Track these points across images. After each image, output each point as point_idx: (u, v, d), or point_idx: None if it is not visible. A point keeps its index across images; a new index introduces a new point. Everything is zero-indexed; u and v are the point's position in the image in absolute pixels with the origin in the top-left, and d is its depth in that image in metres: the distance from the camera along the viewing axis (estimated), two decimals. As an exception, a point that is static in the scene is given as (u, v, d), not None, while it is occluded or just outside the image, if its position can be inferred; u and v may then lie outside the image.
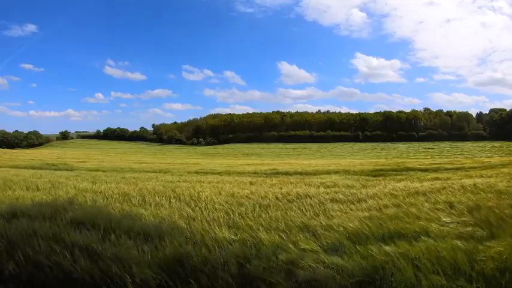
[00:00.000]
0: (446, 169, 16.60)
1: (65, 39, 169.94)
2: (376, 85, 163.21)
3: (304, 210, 5.69)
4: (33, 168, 20.18)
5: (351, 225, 4.44)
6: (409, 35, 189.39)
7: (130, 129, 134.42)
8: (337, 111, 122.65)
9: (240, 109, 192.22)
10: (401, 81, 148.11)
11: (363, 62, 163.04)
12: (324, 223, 4.62)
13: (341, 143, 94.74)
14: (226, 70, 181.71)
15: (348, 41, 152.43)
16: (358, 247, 3.55)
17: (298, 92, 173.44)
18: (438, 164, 20.12)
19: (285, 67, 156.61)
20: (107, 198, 7.00)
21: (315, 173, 15.75)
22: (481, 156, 43.77)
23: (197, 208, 5.88)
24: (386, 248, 3.45)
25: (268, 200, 6.67)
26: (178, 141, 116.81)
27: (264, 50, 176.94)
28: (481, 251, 3.28)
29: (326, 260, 3.25)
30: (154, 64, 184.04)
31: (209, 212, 5.57)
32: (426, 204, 5.86)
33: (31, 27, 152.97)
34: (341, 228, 4.31)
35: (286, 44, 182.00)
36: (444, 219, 4.67)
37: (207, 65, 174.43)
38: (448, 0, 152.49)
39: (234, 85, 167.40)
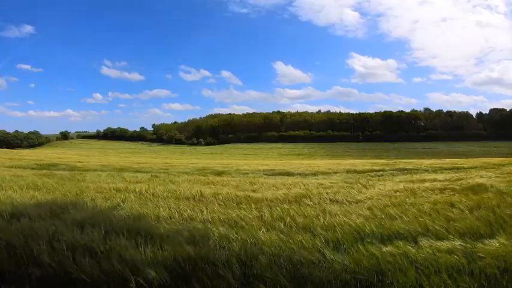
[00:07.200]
0: (447, 169, 16.61)
1: (61, 40, 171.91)
2: (373, 85, 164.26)
3: (304, 210, 5.69)
4: (33, 168, 20.16)
5: (351, 225, 4.44)
6: (405, 35, 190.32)
7: (131, 129, 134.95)
8: (337, 111, 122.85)
9: (238, 109, 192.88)
10: (399, 81, 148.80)
11: (359, 62, 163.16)
12: (323, 223, 4.62)
13: (341, 143, 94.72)
14: (222, 70, 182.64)
15: (343, 41, 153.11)
16: (358, 247, 3.55)
17: (296, 91, 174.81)
18: (438, 164, 20.11)
19: (281, 67, 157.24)
20: (107, 199, 7.00)
21: (315, 174, 15.76)
22: (481, 156, 43.77)
23: (197, 208, 5.87)
24: (387, 248, 3.46)
25: (268, 201, 6.66)
26: (179, 141, 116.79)
27: (259, 50, 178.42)
28: (480, 250, 3.29)
29: (326, 260, 3.25)
30: (151, 64, 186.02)
31: (209, 212, 5.56)
32: (426, 204, 5.86)
33: (28, 28, 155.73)
34: (340, 229, 4.30)
35: (281, 44, 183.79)
36: (444, 219, 4.68)
37: (203, 65, 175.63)
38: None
39: (231, 85, 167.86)
